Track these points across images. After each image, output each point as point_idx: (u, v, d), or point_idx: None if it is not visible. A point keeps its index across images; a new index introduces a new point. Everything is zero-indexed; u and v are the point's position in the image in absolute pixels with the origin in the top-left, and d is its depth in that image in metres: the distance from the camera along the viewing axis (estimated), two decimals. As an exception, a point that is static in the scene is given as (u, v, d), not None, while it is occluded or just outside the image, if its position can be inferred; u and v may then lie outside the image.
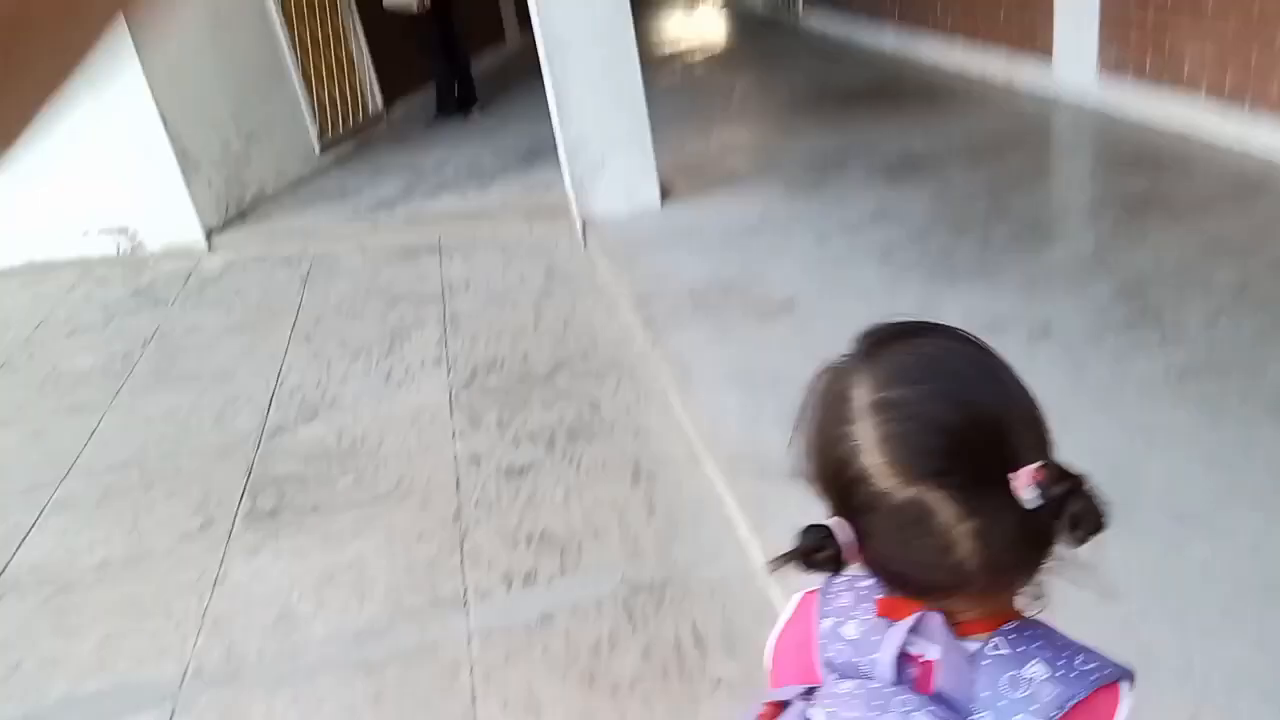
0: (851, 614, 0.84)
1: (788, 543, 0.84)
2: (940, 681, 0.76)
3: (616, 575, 2.47)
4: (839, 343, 2.90)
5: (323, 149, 6.71)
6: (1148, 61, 4.51)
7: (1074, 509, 0.71)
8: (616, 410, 3.25)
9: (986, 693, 0.74)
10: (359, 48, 6.68)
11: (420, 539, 2.79)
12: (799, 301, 3.44)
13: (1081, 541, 0.72)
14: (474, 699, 2.19)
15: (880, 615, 0.82)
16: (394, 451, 3.27)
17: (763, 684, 1.95)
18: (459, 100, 7.50)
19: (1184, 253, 3.23)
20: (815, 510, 2.29)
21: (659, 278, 3.91)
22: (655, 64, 8.15)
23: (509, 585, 2.53)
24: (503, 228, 5.16)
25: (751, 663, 2.11)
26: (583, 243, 4.68)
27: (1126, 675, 0.76)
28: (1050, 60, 5.12)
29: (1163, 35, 4.37)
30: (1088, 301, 3.05)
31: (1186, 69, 4.27)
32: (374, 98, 6.63)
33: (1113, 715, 0.75)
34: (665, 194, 4.76)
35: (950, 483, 0.72)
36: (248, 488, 3.14)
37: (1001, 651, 0.76)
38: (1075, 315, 2.98)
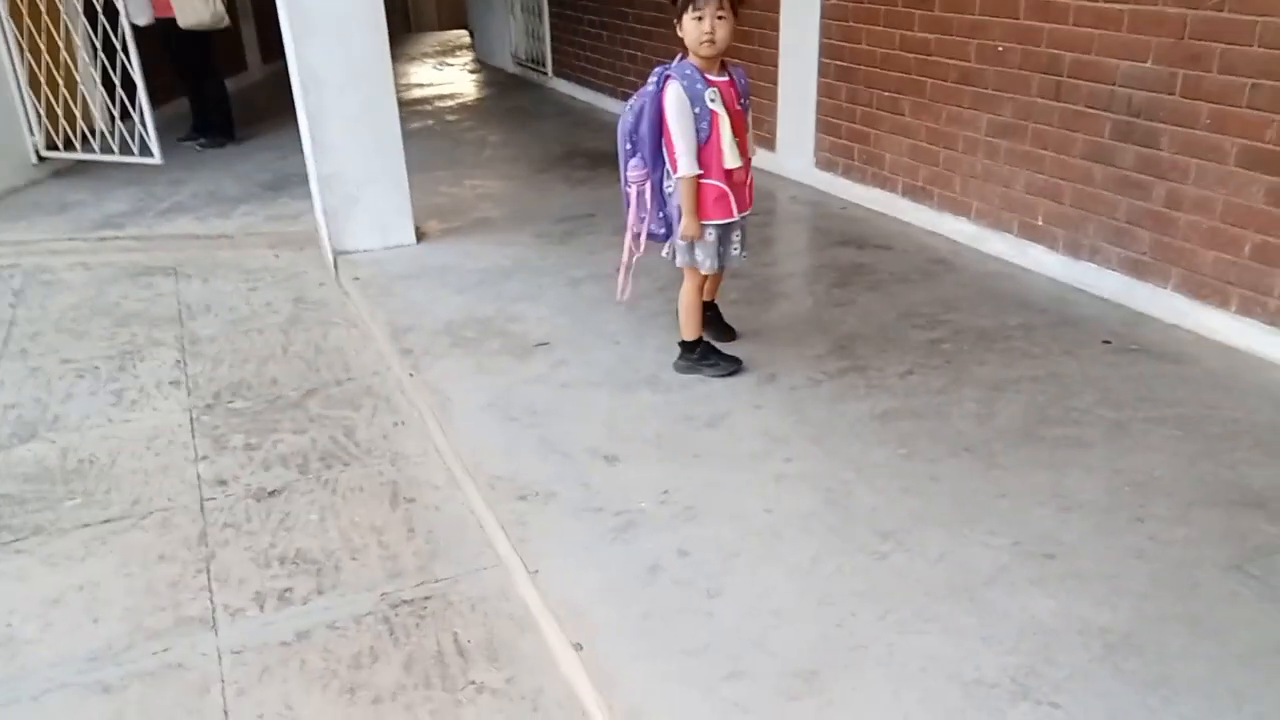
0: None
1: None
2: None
3: (376, 592, 2.52)
4: (592, 379, 3.21)
5: (41, 159, 6.22)
6: (855, 156, 5.15)
7: None
8: (372, 436, 3.28)
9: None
10: (92, 57, 6.26)
11: (161, 560, 2.69)
12: (553, 341, 3.63)
13: None
14: (226, 715, 2.16)
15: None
16: (128, 473, 3.12)
17: (525, 689, 2.21)
18: (218, 127, 7.22)
19: (885, 317, 3.74)
20: (572, 531, 2.54)
21: (415, 311, 3.98)
22: (408, 110, 8.19)
23: (262, 605, 2.50)
24: (246, 254, 5.02)
25: (514, 669, 2.24)
26: (334, 274, 4.65)
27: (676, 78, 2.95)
28: (774, 151, 5.71)
29: (867, 136, 5.03)
30: (807, 353, 3.45)
31: (887, 164, 4.93)
32: (112, 111, 6.22)
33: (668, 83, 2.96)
34: (419, 235, 4.84)
35: None
36: (-45, 507, 2.89)
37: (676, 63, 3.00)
38: (797, 364, 3.37)
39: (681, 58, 2.98)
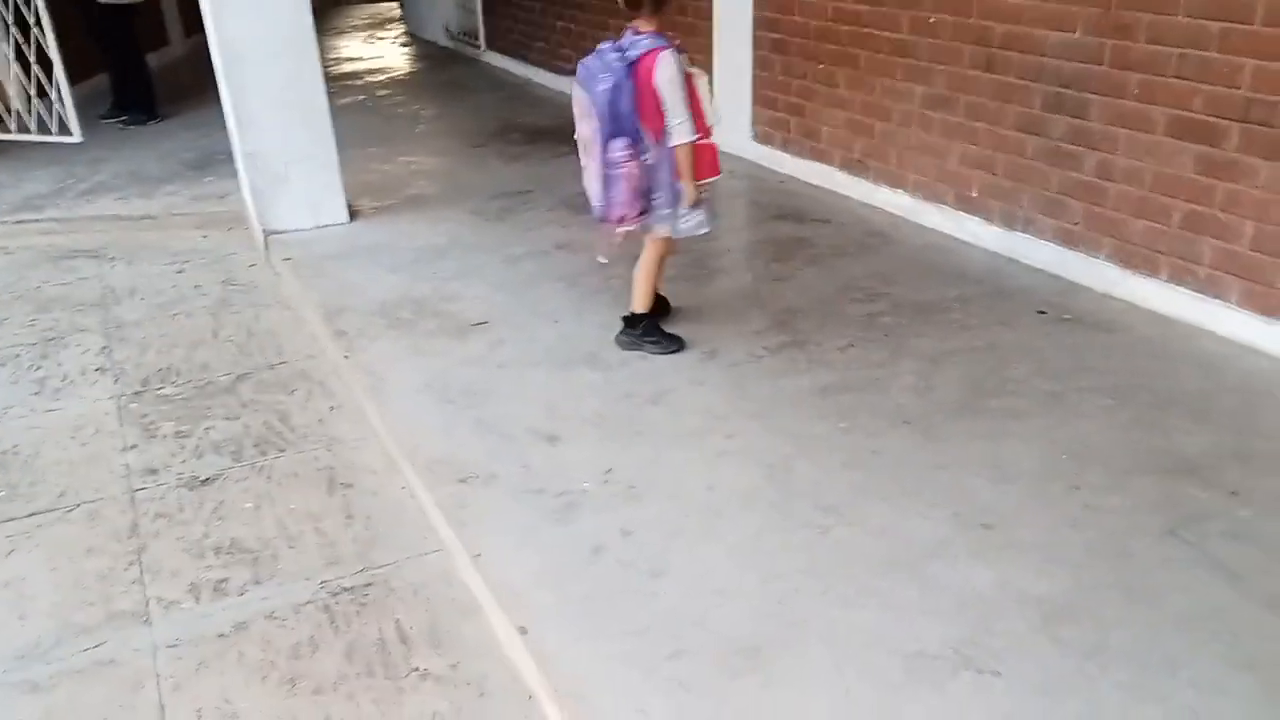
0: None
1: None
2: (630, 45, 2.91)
3: (315, 580, 2.47)
4: (532, 359, 3.16)
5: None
6: (792, 130, 5.15)
7: None
8: (308, 421, 3.21)
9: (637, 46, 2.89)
10: (5, 33, 5.99)
11: (90, 554, 2.61)
12: (491, 320, 3.58)
13: None
14: (162, 711, 2.10)
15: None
16: (53, 464, 3.02)
17: (469, 675, 2.17)
18: (140, 104, 6.97)
19: (824, 291, 3.75)
20: (513, 513, 2.49)
21: (349, 292, 3.89)
22: (337, 85, 8.01)
23: (197, 596, 2.44)
24: (172, 235, 4.87)
25: (458, 655, 2.21)
26: (264, 254, 4.53)
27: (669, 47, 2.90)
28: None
29: (803, 109, 5.02)
30: (747, 329, 3.45)
31: (824, 137, 4.93)
32: (28, 90, 5.96)
33: (657, 58, 2.88)
34: (352, 213, 4.73)
35: None
36: None
37: (646, 35, 2.90)
38: (737, 340, 3.36)
39: (635, 32, 2.93)
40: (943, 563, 2.26)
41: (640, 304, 3.30)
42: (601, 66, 2.89)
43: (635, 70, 2.89)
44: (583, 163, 3.10)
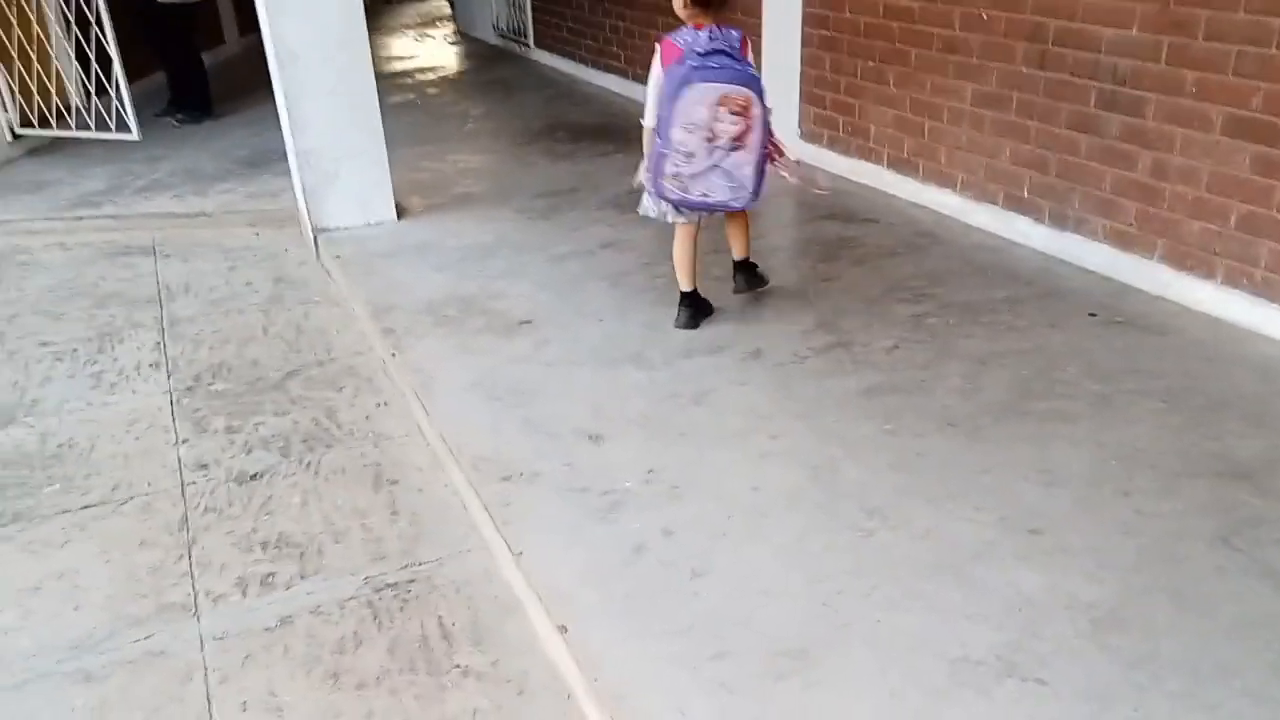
0: (686, 34, 2.99)
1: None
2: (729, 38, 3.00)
3: (360, 576, 2.50)
4: (577, 358, 3.19)
5: (15, 137, 6.11)
6: (840, 127, 5.11)
7: None
8: (355, 418, 3.25)
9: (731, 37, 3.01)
10: (66, 31, 6.13)
11: (142, 546, 2.66)
12: (537, 319, 3.60)
13: None
14: (210, 702, 2.14)
15: (697, 29, 3.00)
16: (108, 457, 3.08)
17: (510, 673, 2.18)
18: (196, 102, 7.10)
19: (870, 291, 3.71)
20: (556, 512, 2.52)
21: (396, 290, 3.93)
22: (388, 83, 8.10)
23: (244, 590, 2.48)
24: (225, 232, 4.96)
25: (499, 652, 2.22)
26: (314, 252, 4.60)
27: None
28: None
29: (852, 107, 4.98)
30: (793, 329, 3.43)
31: (872, 136, 4.89)
32: (88, 87, 6.10)
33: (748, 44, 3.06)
34: (400, 211, 4.78)
35: None
36: (-66, 494, 2.85)
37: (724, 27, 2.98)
38: (782, 340, 3.35)
39: (718, 28, 3.02)
40: (989, 567, 2.23)
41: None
42: (731, 61, 2.99)
43: None
44: (705, 163, 3.07)
